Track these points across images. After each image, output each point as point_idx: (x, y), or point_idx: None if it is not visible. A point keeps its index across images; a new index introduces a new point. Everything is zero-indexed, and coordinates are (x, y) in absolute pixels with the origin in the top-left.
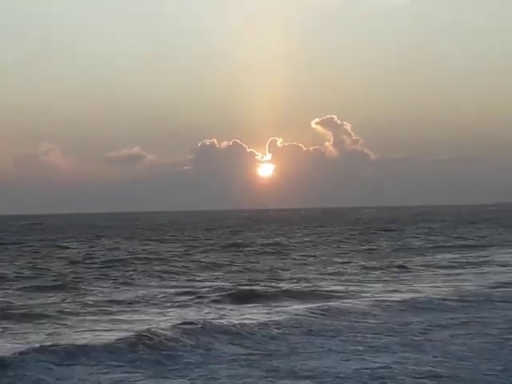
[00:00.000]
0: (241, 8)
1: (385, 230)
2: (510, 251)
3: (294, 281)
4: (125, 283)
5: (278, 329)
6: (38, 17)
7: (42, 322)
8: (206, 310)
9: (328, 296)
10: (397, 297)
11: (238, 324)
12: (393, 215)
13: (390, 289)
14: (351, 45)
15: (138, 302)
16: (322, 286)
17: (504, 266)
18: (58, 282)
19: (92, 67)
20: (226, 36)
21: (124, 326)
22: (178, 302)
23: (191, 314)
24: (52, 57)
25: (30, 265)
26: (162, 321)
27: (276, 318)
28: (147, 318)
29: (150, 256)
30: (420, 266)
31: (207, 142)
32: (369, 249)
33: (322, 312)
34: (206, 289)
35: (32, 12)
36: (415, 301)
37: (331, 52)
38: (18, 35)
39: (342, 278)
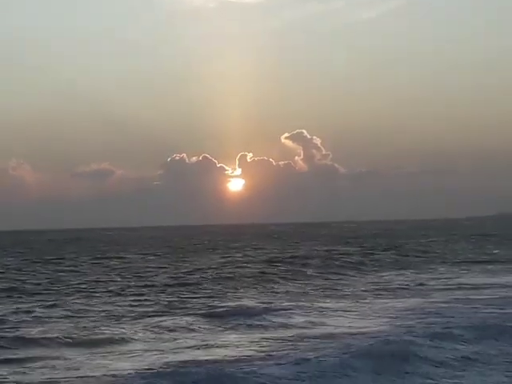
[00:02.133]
0: (212, 25)
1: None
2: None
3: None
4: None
5: None
6: (6, 33)
7: None
8: None
9: None
10: None
11: None
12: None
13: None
14: (321, 60)
15: None
16: None
17: None
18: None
19: (62, 82)
20: (197, 52)
21: None
22: None
23: None
24: (21, 72)
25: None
26: None
27: None
28: None
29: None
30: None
31: (177, 157)
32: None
33: None
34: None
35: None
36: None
37: (300, 67)
38: None
39: None
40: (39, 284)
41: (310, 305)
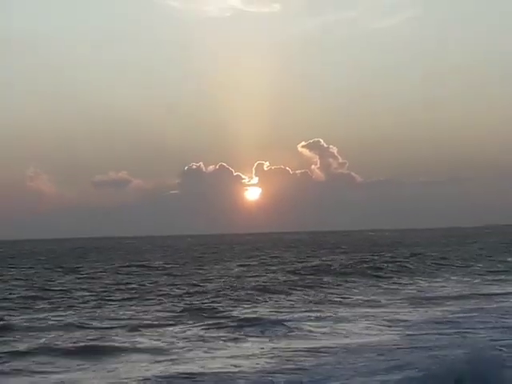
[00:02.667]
0: (228, 34)
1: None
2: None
3: None
4: None
5: None
6: (24, 38)
7: None
8: None
9: None
10: None
11: None
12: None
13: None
14: (338, 68)
15: None
16: None
17: None
18: None
19: (79, 92)
20: (213, 61)
21: None
22: None
23: None
24: (39, 79)
25: None
26: None
27: None
28: None
29: None
30: None
31: (194, 166)
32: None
33: None
34: None
35: (17, 31)
36: None
37: (317, 75)
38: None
39: None
40: (58, 291)
41: (329, 314)
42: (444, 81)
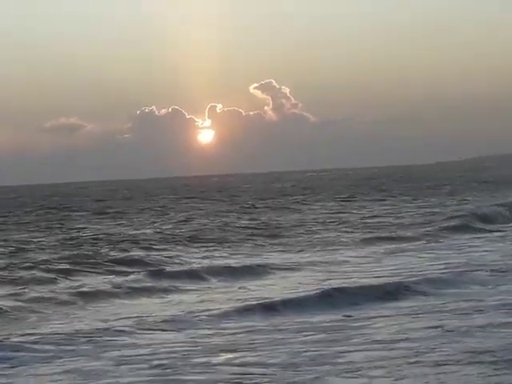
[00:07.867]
0: None
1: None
2: None
3: None
4: None
5: None
6: None
7: None
8: None
9: None
10: None
11: None
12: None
13: None
14: (287, 8)
15: None
16: None
17: None
18: None
19: (28, 35)
20: (165, 6)
21: None
22: None
23: None
24: None
25: None
26: None
27: None
28: None
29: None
30: None
31: (146, 110)
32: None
33: None
34: None
35: None
36: None
37: (268, 16)
38: None
39: None
40: None
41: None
42: (403, 20)
